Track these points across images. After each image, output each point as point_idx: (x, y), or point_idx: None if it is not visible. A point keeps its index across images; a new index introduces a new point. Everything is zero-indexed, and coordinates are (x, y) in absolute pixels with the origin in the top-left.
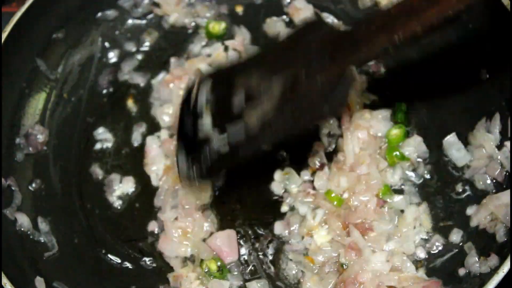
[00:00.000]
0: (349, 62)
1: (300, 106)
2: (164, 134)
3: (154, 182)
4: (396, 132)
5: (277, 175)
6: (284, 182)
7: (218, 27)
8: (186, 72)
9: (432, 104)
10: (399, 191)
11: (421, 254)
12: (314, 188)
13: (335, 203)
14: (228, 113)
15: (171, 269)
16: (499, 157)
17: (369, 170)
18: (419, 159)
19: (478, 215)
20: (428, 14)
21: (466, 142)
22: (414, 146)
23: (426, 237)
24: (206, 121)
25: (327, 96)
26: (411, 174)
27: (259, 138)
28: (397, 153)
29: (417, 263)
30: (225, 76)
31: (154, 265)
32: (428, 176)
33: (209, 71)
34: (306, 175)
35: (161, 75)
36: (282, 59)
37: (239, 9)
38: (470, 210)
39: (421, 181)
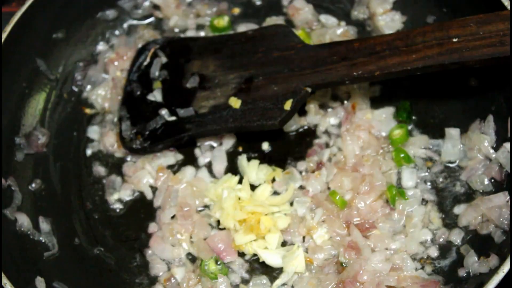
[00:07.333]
0: (305, 83)
1: (252, 108)
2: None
3: (150, 195)
4: (398, 131)
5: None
6: (285, 182)
7: (223, 21)
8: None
9: (432, 103)
10: (407, 191)
11: (430, 252)
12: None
13: (338, 203)
14: (180, 95)
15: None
16: (493, 156)
17: (372, 170)
18: (424, 159)
19: (466, 215)
20: (389, 63)
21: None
22: (419, 146)
23: (431, 237)
24: (157, 97)
25: (280, 107)
26: (418, 174)
27: (207, 120)
28: (404, 155)
29: (421, 261)
30: (180, 55)
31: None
32: (433, 176)
33: (162, 41)
34: (305, 175)
35: None
36: (241, 56)
37: (238, 10)
38: (457, 209)
39: (426, 181)
